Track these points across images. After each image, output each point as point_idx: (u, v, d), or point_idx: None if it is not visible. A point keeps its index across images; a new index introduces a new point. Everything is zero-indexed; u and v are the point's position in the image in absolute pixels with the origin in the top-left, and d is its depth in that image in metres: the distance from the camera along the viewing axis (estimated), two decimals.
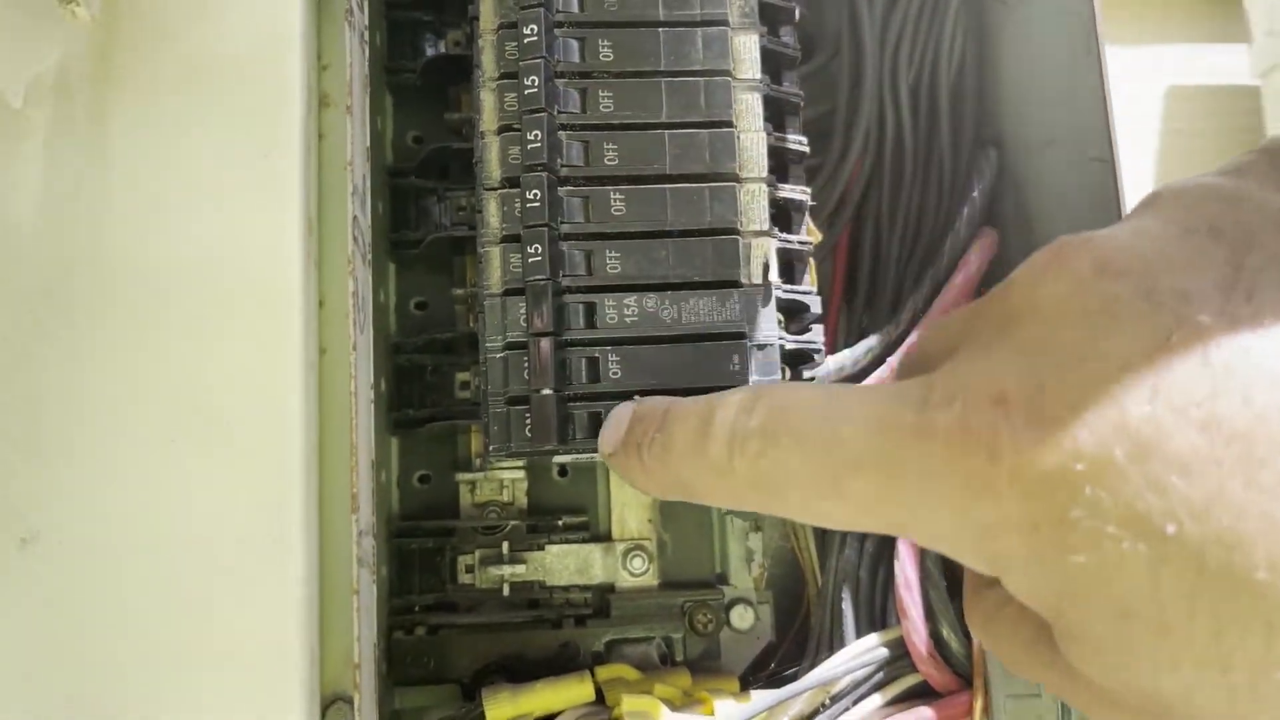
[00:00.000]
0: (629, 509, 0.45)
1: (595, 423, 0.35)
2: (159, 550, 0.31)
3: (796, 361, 0.38)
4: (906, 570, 0.39)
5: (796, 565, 0.46)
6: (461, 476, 0.44)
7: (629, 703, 0.37)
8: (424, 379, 0.45)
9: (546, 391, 0.34)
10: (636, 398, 0.27)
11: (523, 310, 0.35)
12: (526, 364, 0.35)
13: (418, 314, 0.46)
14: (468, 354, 0.44)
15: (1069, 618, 0.20)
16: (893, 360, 0.40)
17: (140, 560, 0.31)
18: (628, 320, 0.36)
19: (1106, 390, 0.18)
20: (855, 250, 0.44)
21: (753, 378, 0.36)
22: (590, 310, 0.36)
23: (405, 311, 0.46)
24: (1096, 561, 0.18)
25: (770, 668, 0.44)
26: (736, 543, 0.46)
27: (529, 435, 0.35)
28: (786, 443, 0.22)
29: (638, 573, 0.44)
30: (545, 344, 0.35)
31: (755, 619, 0.45)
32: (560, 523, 0.44)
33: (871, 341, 0.41)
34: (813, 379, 0.38)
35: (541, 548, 0.44)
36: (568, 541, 0.44)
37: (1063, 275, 0.20)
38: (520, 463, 0.43)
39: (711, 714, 0.39)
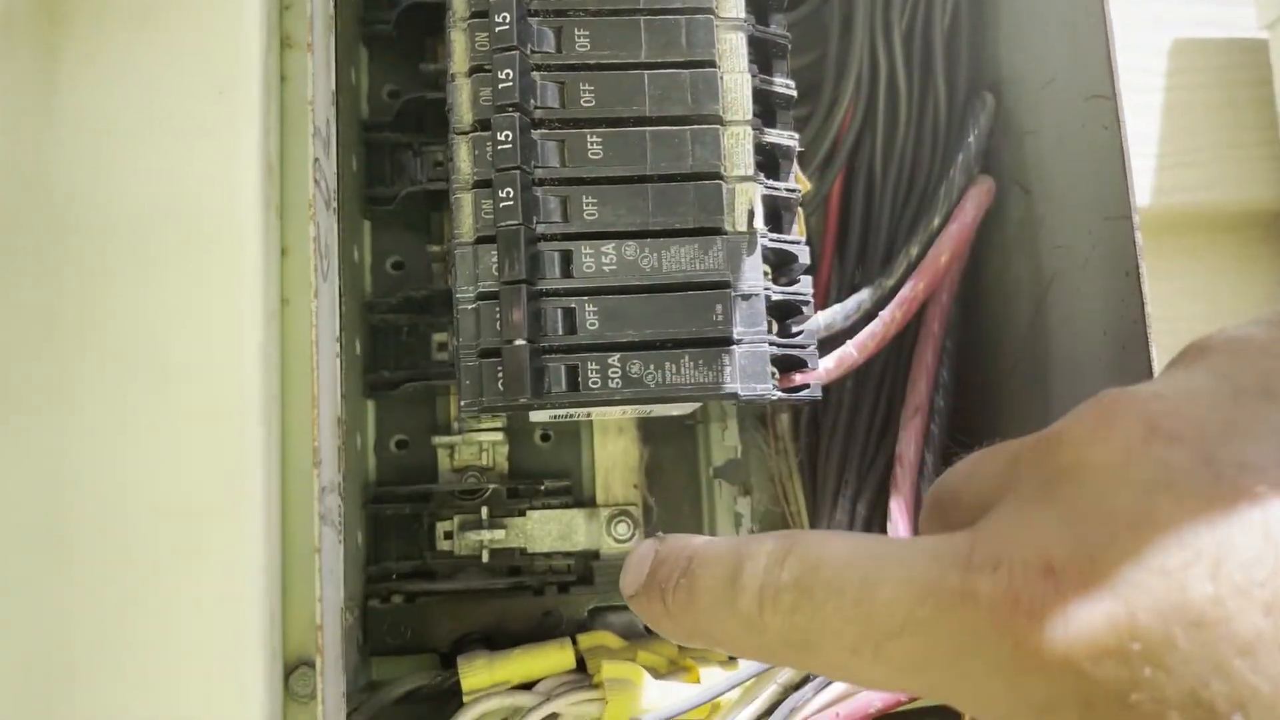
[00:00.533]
0: (614, 474, 0.44)
1: (572, 376, 0.34)
2: (109, 505, 0.29)
3: (784, 314, 0.36)
4: (898, 528, 0.38)
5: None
6: (439, 440, 0.42)
7: (609, 669, 0.36)
8: (400, 340, 0.44)
9: (519, 342, 0.33)
10: (660, 535, 0.26)
11: (495, 258, 0.34)
12: (499, 315, 0.34)
13: (395, 274, 0.45)
14: (445, 313, 0.42)
15: None
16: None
17: (89, 514, 0.29)
18: (606, 269, 0.34)
19: (1164, 565, 0.18)
20: (847, 203, 0.43)
21: (737, 329, 0.34)
22: (566, 258, 0.34)
23: (381, 272, 0.45)
24: None
25: None
26: (725, 507, 0.44)
27: (501, 389, 0.33)
28: (822, 600, 0.21)
29: (623, 539, 0.43)
30: (518, 293, 0.33)
31: None
32: (542, 487, 0.43)
33: (863, 296, 0.39)
34: (800, 332, 0.36)
35: (523, 513, 0.42)
36: (550, 507, 0.43)
37: (1113, 438, 0.19)
38: (499, 424, 0.42)
39: (697, 681, 0.37)
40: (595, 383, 0.34)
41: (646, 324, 0.34)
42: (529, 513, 0.43)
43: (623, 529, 0.43)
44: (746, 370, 0.34)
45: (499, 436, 0.42)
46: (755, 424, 0.44)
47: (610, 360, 0.34)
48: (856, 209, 0.42)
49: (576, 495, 0.44)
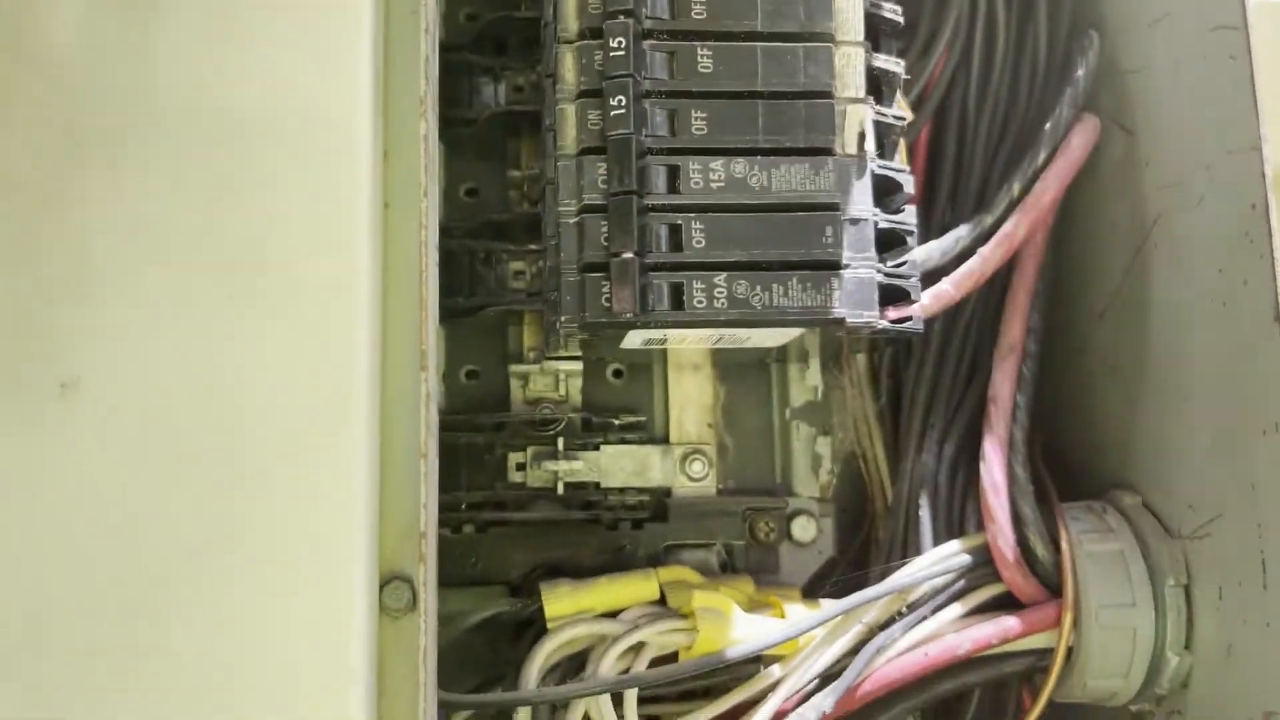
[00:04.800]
0: (688, 412, 0.43)
1: (676, 294, 0.33)
2: (211, 402, 0.28)
3: (888, 244, 0.35)
4: (994, 474, 0.37)
5: (861, 480, 0.44)
6: (514, 368, 0.41)
7: (700, 598, 0.35)
8: (474, 268, 0.42)
9: (628, 255, 0.32)
10: None
11: (601, 170, 0.33)
12: (604, 227, 0.33)
13: (469, 201, 0.44)
14: (522, 240, 0.41)
15: None
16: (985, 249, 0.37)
17: (190, 412, 0.28)
18: (714, 186, 0.33)
19: None
20: (937, 143, 0.42)
21: (845, 253, 0.34)
22: (673, 174, 0.33)
23: (454, 198, 0.44)
24: None
25: (834, 581, 0.42)
26: (803, 448, 0.43)
27: (606, 304, 0.32)
28: None
29: (697, 477, 0.42)
30: (628, 204, 0.32)
31: (817, 531, 0.43)
32: (617, 422, 0.42)
33: (961, 233, 0.38)
34: (904, 263, 0.35)
35: (597, 447, 0.42)
36: (625, 441, 0.42)
37: None
38: (577, 352, 0.41)
39: (783, 617, 0.37)
40: (700, 302, 0.33)
41: (754, 244, 0.33)
42: (603, 447, 0.42)
43: (697, 467, 0.42)
44: (853, 296, 0.34)
45: (576, 366, 0.41)
46: (834, 365, 0.43)
47: (716, 280, 0.33)
48: (948, 149, 0.41)
49: (650, 432, 0.43)
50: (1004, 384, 0.38)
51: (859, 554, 0.43)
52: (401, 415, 0.30)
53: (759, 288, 0.33)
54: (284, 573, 0.28)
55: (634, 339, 0.35)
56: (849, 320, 0.33)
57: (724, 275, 0.33)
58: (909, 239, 0.36)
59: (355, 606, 0.28)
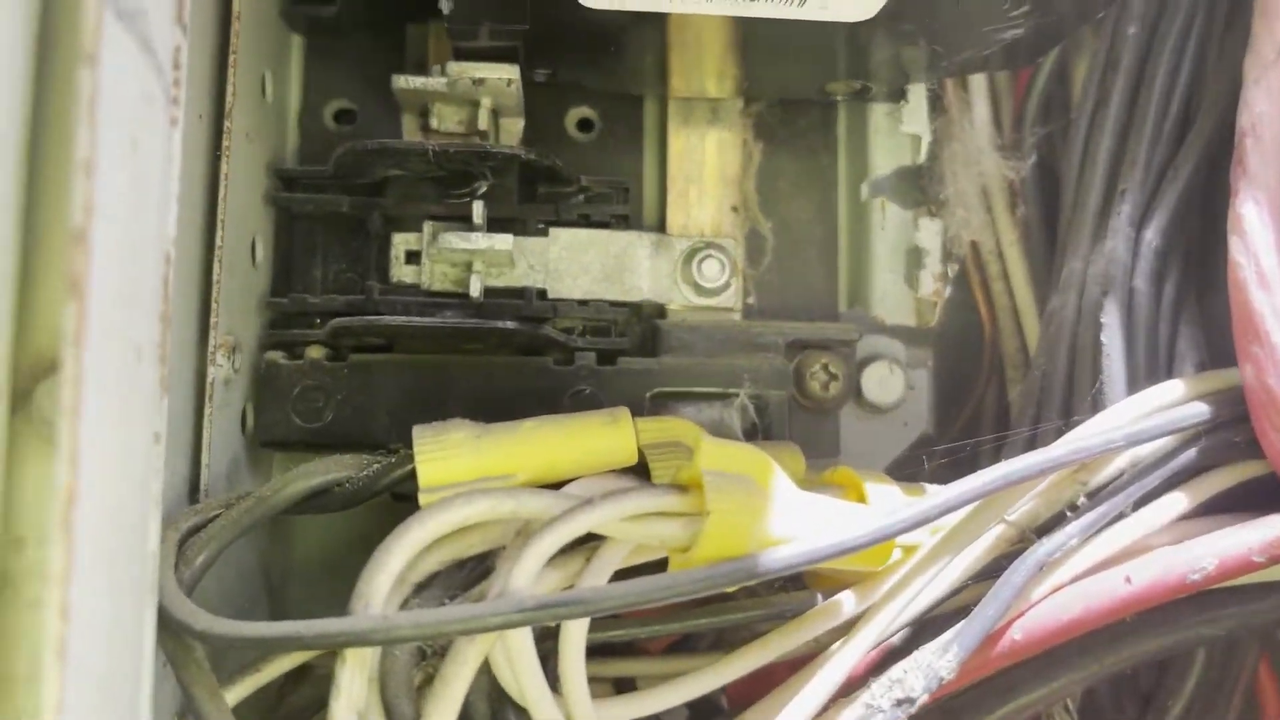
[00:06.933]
0: (700, 184, 0.26)
1: None
2: None
3: None
4: (1257, 251, 0.20)
5: (975, 307, 0.27)
6: (402, 85, 0.24)
7: (710, 452, 0.18)
8: None
9: None
10: None
11: None
12: None
13: None
14: None
15: None
16: None
17: None
18: None
19: None
20: None
21: None
22: None
23: None
24: None
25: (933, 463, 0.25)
26: (891, 239, 0.26)
27: None
28: None
29: (710, 288, 0.25)
30: None
31: (906, 387, 0.26)
32: (579, 189, 0.25)
33: None
34: None
35: (544, 230, 0.25)
36: (590, 223, 0.25)
37: None
38: (510, 41, 0.23)
39: (863, 501, 0.20)
40: None
41: None
42: (554, 231, 0.25)
43: (712, 271, 0.25)
44: None
45: (509, 75, 0.24)
46: (949, 102, 0.26)
47: None
48: None
49: (635, 214, 0.26)
50: (1267, 106, 0.21)
51: (968, 430, 0.27)
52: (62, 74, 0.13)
53: None
54: None
55: None
56: None
57: None
58: None
59: None
